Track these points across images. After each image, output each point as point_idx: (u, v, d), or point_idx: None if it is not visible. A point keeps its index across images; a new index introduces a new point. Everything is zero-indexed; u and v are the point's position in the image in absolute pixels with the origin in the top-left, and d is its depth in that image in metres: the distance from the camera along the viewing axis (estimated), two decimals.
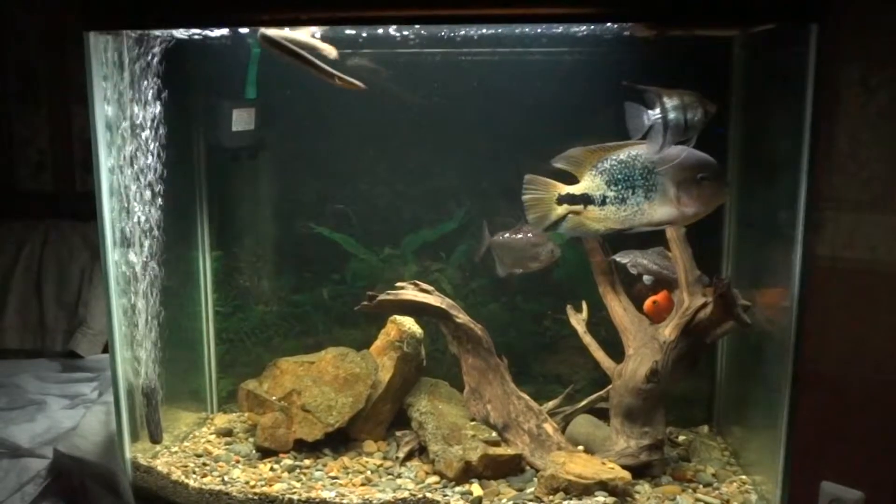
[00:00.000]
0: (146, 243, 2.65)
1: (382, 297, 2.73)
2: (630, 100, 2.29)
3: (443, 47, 2.82)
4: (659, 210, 2.11)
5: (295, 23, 2.38)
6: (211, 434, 2.98)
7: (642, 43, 2.42)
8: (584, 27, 2.54)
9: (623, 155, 2.12)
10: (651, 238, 2.68)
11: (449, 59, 2.86)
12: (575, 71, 2.85)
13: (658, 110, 2.23)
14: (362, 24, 2.38)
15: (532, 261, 2.72)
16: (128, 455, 2.58)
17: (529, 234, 2.70)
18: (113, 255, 2.51)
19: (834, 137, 2.35)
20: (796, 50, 2.20)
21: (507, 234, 2.76)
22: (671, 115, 2.23)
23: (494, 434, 2.69)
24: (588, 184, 2.15)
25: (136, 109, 2.55)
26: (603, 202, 2.13)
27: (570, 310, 2.84)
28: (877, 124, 2.31)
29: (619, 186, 2.11)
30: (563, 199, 2.17)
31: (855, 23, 2.28)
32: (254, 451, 2.80)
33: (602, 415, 2.80)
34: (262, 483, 2.58)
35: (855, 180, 2.34)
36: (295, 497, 2.48)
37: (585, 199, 2.14)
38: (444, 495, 2.49)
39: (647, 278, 2.66)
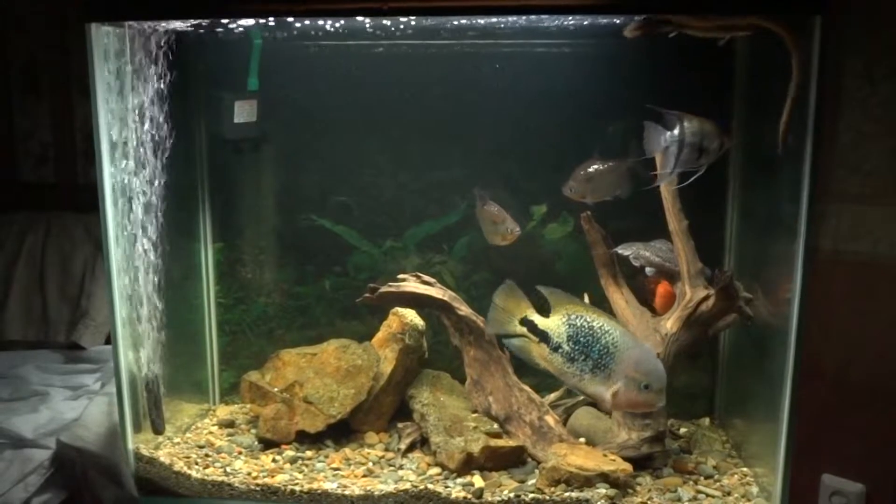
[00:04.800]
0: (148, 235, 2.65)
1: (384, 289, 2.73)
2: (650, 119, 2.31)
3: (445, 38, 2.81)
4: (594, 386, 2.17)
5: (293, 14, 2.37)
6: (213, 425, 2.99)
7: (631, 41, 2.41)
8: (588, 19, 2.53)
9: (596, 323, 2.17)
10: (653, 230, 2.69)
11: (452, 51, 2.85)
12: (577, 64, 2.84)
13: (677, 132, 2.25)
14: (362, 15, 2.37)
15: (493, 236, 2.76)
16: (130, 446, 2.59)
17: (492, 210, 2.73)
18: (115, 247, 2.51)
19: (837, 130, 2.34)
20: (800, 42, 2.19)
21: (476, 206, 2.79)
22: (688, 140, 2.25)
23: (496, 426, 2.69)
24: (553, 326, 2.20)
25: (138, 101, 2.55)
26: (556, 349, 2.16)
27: None
28: (880, 117, 2.30)
29: (577, 347, 2.17)
30: (525, 322, 2.20)
31: (858, 15, 2.27)
32: (256, 443, 2.81)
33: None
34: (265, 474, 2.59)
35: (858, 173, 2.33)
36: (297, 488, 2.49)
37: (543, 336, 2.19)
38: (446, 487, 2.50)
39: (649, 270, 2.66)
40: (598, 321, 2.15)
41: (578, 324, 2.16)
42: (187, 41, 2.67)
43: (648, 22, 2.26)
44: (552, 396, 2.85)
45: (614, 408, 2.26)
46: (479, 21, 2.61)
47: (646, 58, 2.65)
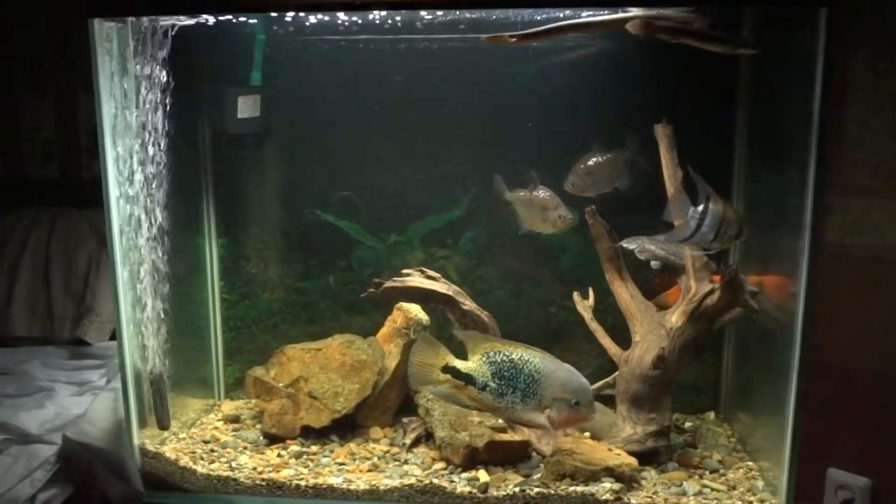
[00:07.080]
0: (153, 231, 2.65)
1: (389, 284, 2.73)
2: (688, 181, 2.33)
3: (448, 33, 2.80)
4: (527, 415, 2.23)
5: (303, 8, 2.36)
6: (218, 420, 2.99)
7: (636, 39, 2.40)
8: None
9: (515, 356, 2.23)
10: (659, 224, 2.68)
11: (456, 45, 2.84)
12: (580, 54, 2.83)
13: (700, 209, 2.26)
14: (361, 10, 2.36)
15: (543, 223, 2.69)
16: (136, 441, 2.59)
17: (543, 195, 2.68)
18: (120, 243, 2.51)
19: (843, 123, 2.33)
20: (806, 34, 2.17)
21: (523, 192, 2.71)
22: (708, 221, 2.26)
23: (501, 420, 2.69)
24: (475, 367, 2.25)
25: (141, 97, 2.55)
26: (483, 388, 2.23)
27: (576, 296, 2.83)
28: (886, 110, 2.29)
29: (503, 382, 2.22)
30: (447, 370, 2.25)
31: (865, 7, 2.26)
32: (261, 438, 2.81)
33: (609, 401, 2.80)
34: (270, 469, 2.59)
35: (864, 166, 2.33)
36: (302, 483, 2.49)
37: (468, 379, 2.24)
38: (451, 481, 2.50)
39: (654, 264, 2.66)
40: (516, 353, 2.23)
41: (499, 359, 2.23)
42: (190, 36, 2.66)
43: (650, 23, 2.26)
44: None
45: (552, 428, 2.32)
46: (481, 14, 2.60)
47: (653, 46, 2.64)
